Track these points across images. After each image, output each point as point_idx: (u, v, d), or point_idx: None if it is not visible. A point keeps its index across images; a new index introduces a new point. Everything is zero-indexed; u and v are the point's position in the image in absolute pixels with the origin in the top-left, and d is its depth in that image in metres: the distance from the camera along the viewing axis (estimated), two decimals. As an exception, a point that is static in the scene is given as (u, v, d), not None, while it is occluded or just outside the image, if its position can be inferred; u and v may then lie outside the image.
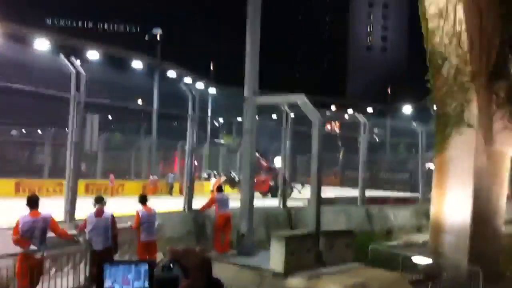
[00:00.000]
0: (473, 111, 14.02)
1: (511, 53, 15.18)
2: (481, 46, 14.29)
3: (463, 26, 13.79)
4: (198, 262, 2.20)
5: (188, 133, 15.75)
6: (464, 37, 13.84)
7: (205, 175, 34.02)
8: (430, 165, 22.62)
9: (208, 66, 59.60)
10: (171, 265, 2.20)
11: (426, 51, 14.82)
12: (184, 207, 15.21)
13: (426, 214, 16.84)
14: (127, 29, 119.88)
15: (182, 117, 15.99)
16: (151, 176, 32.26)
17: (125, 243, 11.61)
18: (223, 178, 30.43)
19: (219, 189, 15.47)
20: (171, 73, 44.23)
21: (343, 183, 39.33)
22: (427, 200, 18.38)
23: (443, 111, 14.59)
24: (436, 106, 14.86)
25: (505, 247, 16.03)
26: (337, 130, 34.38)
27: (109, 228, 10.19)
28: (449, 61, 14.23)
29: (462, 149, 14.05)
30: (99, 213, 10.24)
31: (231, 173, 32.25)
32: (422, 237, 17.30)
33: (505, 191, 15.14)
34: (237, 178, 28.83)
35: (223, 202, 14.60)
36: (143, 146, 36.44)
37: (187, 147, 15.69)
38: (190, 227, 14.60)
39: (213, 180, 30.57)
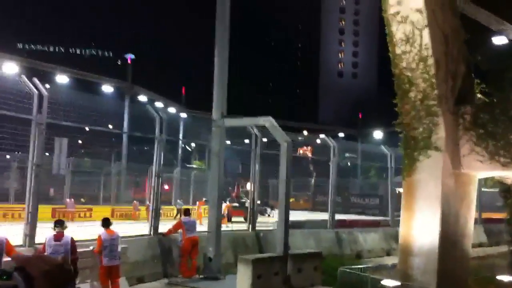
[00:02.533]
0: (440, 135, 14.13)
1: (476, 78, 15.47)
2: (447, 71, 14.49)
3: (429, 51, 13.97)
4: (45, 271, 2.00)
5: (155, 156, 15.50)
6: (431, 62, 14.01)
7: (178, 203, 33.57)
8: (400, 190, 22.75)
9: (180, 91, 59.50)
10: (14, 272, 2.01)
11: (394, 76, 14.96)
12: (150, 231, 14.86)
13: (396, 237, 16.82)
14: (100, 54, 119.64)
15: (152, 141, 15.76)
16: (134, 201, 31.78)
17: (86, 268, 11.22)
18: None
19: (186, 213, 15.24)
20: (143, 98, 43.97)
21: (314, 207, 39.34)
22: (396, 223, 18.39)
23: (411, 135, 14.68)
24: (404, 130, 14.93)
25: (473, 269, 16.09)
26: (309, 155, 34.39)
27: (69, 252, 9.85)
28: (416, 86, 14.36)
29: (429, 172, 14.12)
30: (58, 237, 9.93)
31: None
32: (391, 260, 17.26)
33: (472, 214, 15.23)
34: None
35: (190, 226, 14.37)
36: (112, 170, 35.91)
37: (153, 170, 15.41)
38: (155, 251, 14.27)
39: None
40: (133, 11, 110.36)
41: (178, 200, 33.25)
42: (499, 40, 17.15)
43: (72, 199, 29.05)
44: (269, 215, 27.76)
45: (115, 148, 42.68)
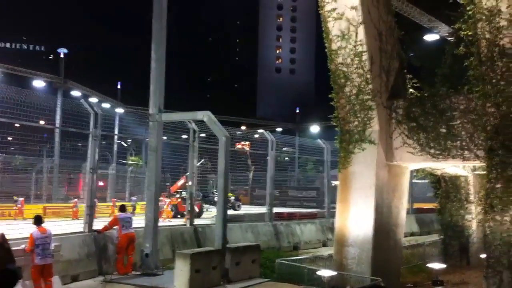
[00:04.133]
0: (374, 128, 14.52)
1: (409, 74, 15.99)
2: (381, 67, 14.89)
3: (364, 47, 14.30)
4: None
5: (89, 152, 15.08)
6: (365, 57, 14.34)
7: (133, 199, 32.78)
8: (336, 182, 23.22)
9: (116, 86, 58.17)
10: None
11: (330, 71, 15.23)
12: (85, 228, 14.46)
13: (332, 229, 17.17)
14: (32, 49, 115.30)
15: (86, 136, 15.30)
16: (75, 199, 30.73)
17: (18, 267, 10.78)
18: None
19: (122, 208, 14.93)
20: (76, 93, 42.67)
21: (252, 201, 39.52)
22: (332, 215, 18.77)
23: (347, 128, 15.00)
24: (340, 124, 15.23)
25: (405, 258, 16.68)
26: (247, 149, 34.51)
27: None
28: (351, 81, 14.67)
29: (364, 164, 14.48)
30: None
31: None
32: (327, 251, 17.60)
33: (405, 205, 15.76)
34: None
35: (126, 222, 14.10)
36: (44, 167, 34.65)
37: (87, 166, 14.99)
38: (90, 249, 13.90)
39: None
40: (66, 4, 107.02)
41: (133, 197, 32.67)
42: (430, 38, 17.79)
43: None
44: (207, 210, 27.59)
45: (48, 144, 41.22)
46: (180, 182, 28.62)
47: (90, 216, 14.60)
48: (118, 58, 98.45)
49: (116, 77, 63.79)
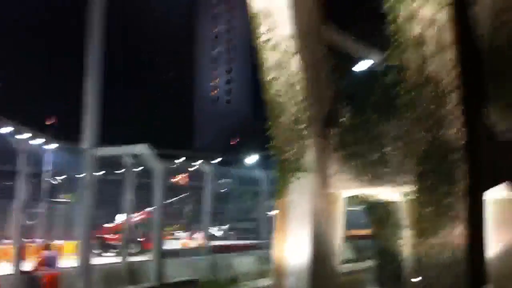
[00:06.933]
0: (310, 157, 14.65)
1: (342, 103, 16.30)
2: (316, 96, 15.13)
3: (298, 77, 14.51)
4: None
5: (18, 190, 14.43)
6: (299, 87, 14.55)
7: None
8: (273, 213, 23.25)
9: (46, 122, 56.30)
10: None
11: (266, 101, 15.33)
12: (14, 270, 13.71)
13: (270, 260, 17.06)
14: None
15: (14, 175, 14.65)
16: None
17: None
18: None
19: (47, 247, 14.28)
20: (5, 130, 40.93)
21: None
22: (270, 246, 18.69)
23: (284, 157, 15.06)
24: (277, 153, 15.29)
25: (343, 285, 16.75)
26: (182, 183, 34.13)
27: None
28: (286, 110, 14.81)
29: (301, 192, 14.54)
30: None
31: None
32: (266, 282, 17.43)
33: (341, 232, 15.88)
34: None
35: (50, 261, 13.47)
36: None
37: (17, 205, 14.31)
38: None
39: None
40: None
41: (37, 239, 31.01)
42: (361, 66, 18.29)
43: None
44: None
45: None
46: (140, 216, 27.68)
47: (19, 256, 13.88)
48: (49, 91, 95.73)
49: (48, 111, 61.95)
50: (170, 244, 28.49)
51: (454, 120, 11.92)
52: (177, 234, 37.30)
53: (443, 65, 12.06)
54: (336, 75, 16.34)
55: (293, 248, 14.21)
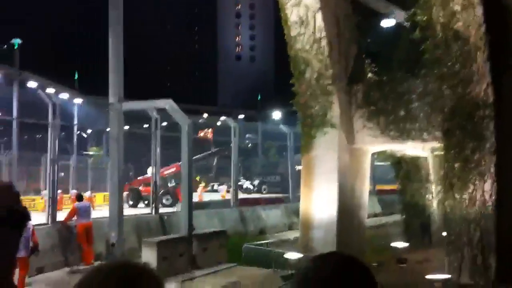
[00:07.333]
0: (335, 113, 14.73)
1: (367, 59, 16.24)
2: (340, 52, 15.09)
3: (323, 33, 14.46)
4: None
5: (49, 143, 14.85)
6: (324, 43, 14.51)
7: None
8: (300, 167, 23.51)
9: (73, 76, 56.82)
10: None
11: (290, 57, 15.35)
12: (48, 220, 14.28)
13: (297, 213, 17.41)
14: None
15: (45, 128, 15.05)
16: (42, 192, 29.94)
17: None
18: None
19: (79, 198, 14.72)
20: (32, 84, 41.53)
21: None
22: (297, 199, 19.03)
23: (308, 113, 15.18)
24: (301, 109, 15.40)
25: (369, 238, 17.08)
26: (209, 136, 34.48)
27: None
28: (311, 66, 14.83)
29: (326, 148, 14.71)
30: None
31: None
32: (293, 234, 17.86)
33: (367, 186, 16.11)
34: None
35: (83, 212, 13.94)
36: (3, 160, 33.76)
37: (48, 157, 14.76)
38: (54, 240, 13.75)
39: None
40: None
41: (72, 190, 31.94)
42: (387, 23, 18.04)
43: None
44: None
45: (5, 136, 40.13)
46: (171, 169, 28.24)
47: (53, 207, 14.43)
48: (75, 48, 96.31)
49: (74, 67, 62.46)
50: (209, 196, 29.16)
51: (481, 77, 11.84)
52: (216, 187, 38.33)
53: (471, 21, 11.89)
54: (361, 32, 16.23)
55: (320, 202, 14.47)
